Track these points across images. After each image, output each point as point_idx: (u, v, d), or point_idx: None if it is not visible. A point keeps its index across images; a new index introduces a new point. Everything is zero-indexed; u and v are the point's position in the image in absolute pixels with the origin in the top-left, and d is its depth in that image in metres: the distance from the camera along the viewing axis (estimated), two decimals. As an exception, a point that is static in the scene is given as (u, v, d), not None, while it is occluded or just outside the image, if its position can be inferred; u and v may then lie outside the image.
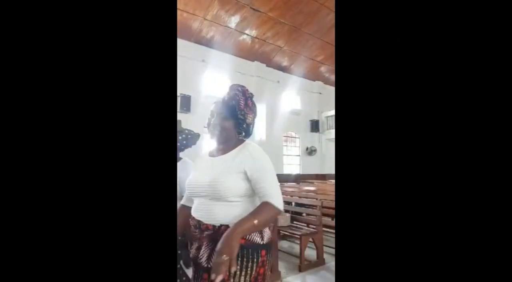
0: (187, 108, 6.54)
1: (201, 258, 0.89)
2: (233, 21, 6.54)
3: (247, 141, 1.03)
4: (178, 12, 5.95)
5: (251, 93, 1.04)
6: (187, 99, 6.53)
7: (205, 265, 0.87)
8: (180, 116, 6.40)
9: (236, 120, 0.99)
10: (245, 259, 0.86)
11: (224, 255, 0.76)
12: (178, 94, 5.93)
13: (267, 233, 0.93)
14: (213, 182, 0.91)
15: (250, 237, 0.88)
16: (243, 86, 1.02)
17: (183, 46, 6.59)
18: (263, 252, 0.90)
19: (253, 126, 1.03)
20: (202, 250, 0.90)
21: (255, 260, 0.87)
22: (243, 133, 1.01)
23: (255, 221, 0.84)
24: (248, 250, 0.87)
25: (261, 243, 0.90)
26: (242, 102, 0.99)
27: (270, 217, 0.90)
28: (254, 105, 1.03)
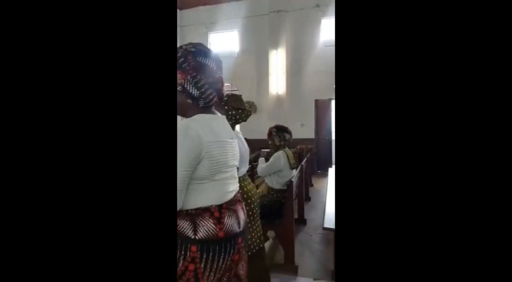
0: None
1: None
2: None
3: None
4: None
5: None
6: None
7: None
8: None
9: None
10: (178, 249, 0.80)
11: None
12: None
13: (205, 227, 0.79)
14: None
15: (180, 227, 0.80)
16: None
17: None
18: (194, 248, 0.78)
19: (188, 85, 0.83)
20: None
21: (182, 252, 0.79)
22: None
23: None
24: (178, 241, 0.80)
25: (192, 237, 0.78)
26: None
27: None
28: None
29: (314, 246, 2.51)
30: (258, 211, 1.49)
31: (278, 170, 2.24)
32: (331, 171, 4.00)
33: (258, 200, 1.54)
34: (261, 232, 1.50)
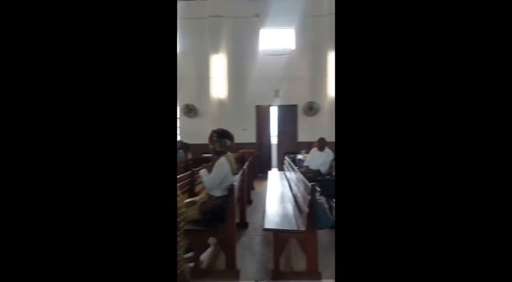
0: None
1: None
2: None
3: None
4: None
5: None
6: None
7: None
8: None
9: None
10: None
11: None
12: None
13: None
14: None
15: None
16: None
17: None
18: None
19: None
20: None
21: None
22: None
23: None
24: None
25: None
26: None
27: None
28: None
29: (255, 248, 2.55)
30: (183, 229, 1.39)
31: (225, 176, 2.16)
32: (271, 174, 4.16)
33: (186, 214, 1.44)
34: (182, 255, 1.41)
